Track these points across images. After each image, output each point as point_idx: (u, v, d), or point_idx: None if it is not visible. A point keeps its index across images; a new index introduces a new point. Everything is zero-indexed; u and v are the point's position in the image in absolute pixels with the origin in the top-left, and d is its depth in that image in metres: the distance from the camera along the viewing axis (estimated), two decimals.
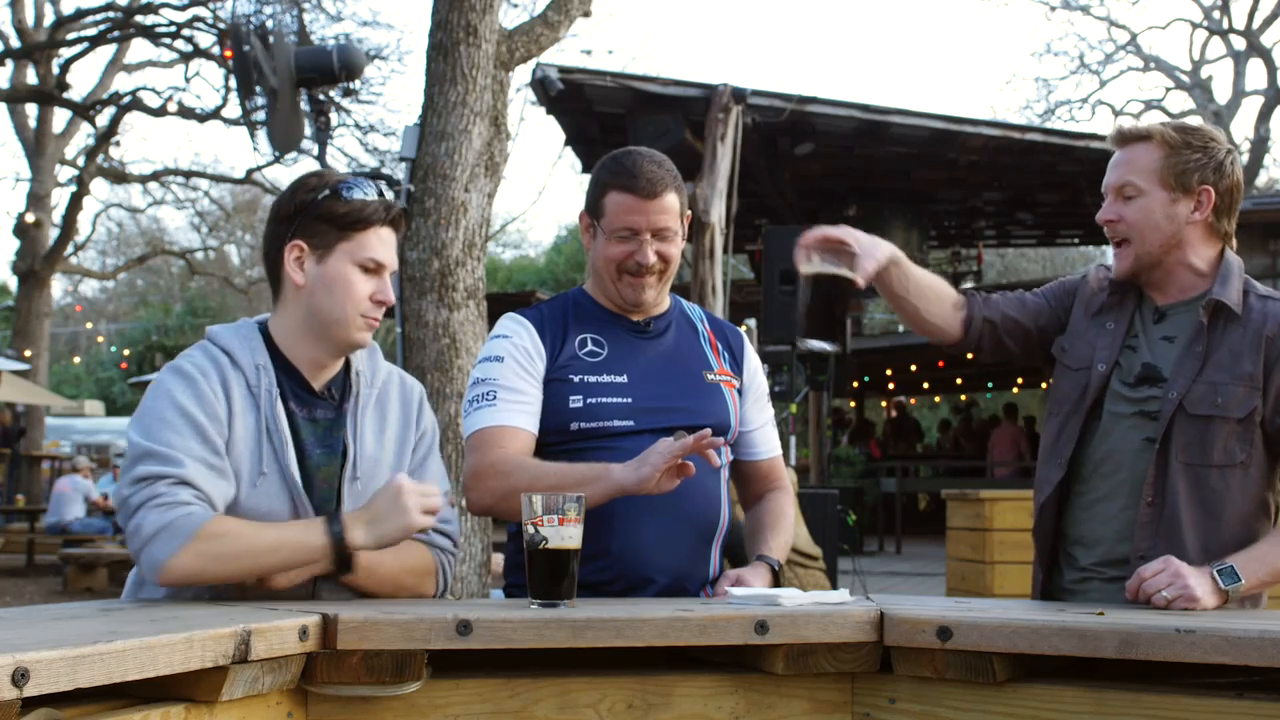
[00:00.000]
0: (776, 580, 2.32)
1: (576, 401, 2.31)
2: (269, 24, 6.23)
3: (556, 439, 2.32)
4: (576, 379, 2.33)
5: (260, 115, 6.30)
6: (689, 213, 2.45)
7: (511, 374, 2.33)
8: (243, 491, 1.98)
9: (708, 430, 2.14)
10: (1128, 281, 2.42)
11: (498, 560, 5.56)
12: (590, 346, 2.38)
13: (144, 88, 20.12)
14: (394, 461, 2.16)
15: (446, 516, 2.13)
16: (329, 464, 2.10)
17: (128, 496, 1.90)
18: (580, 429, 2.31)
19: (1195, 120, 2.53)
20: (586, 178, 2.49)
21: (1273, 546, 2.17)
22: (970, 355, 2.55)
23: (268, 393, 2.04)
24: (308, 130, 6.50)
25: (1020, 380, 21.83)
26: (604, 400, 2.32)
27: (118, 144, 21.06)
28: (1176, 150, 2.30)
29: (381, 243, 2.09)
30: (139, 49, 21.73)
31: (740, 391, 2.49)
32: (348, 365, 2.18)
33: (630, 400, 2.33)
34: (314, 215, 2.06)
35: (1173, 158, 2.30)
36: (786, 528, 2.49)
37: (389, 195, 2.13)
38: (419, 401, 2.24)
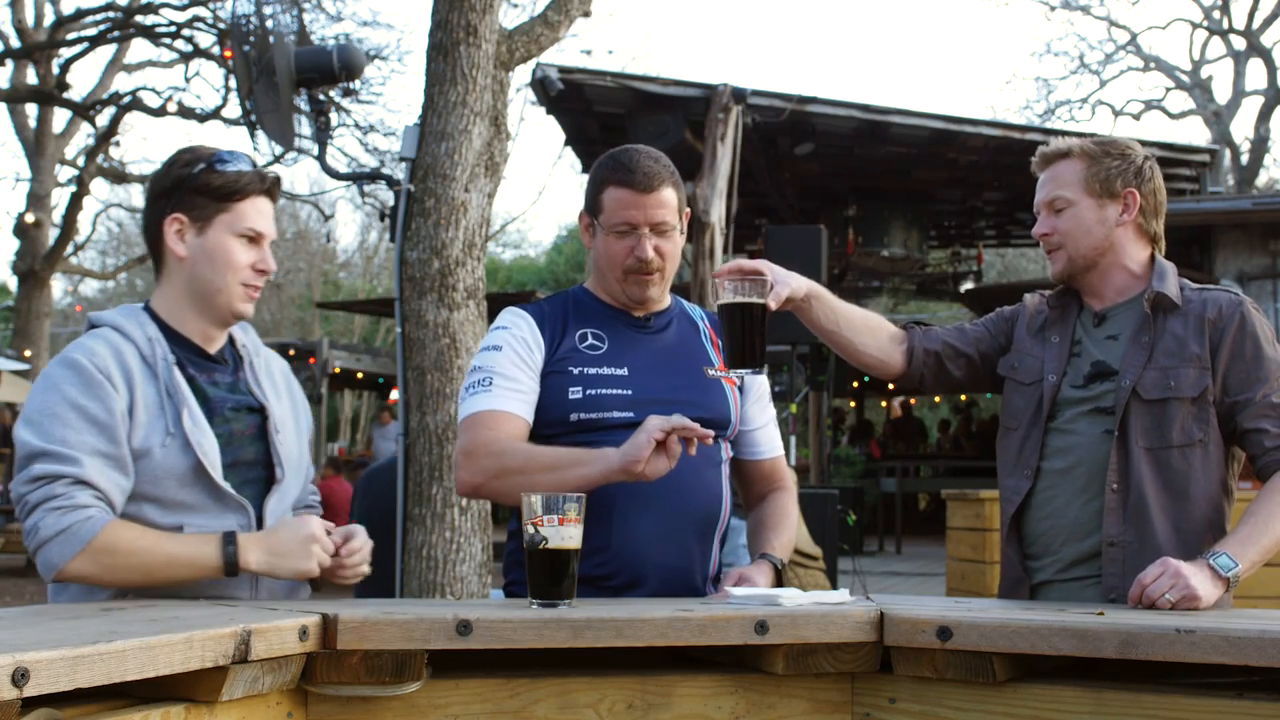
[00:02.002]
0: (779, 578, 2.33)
1: (576, 393, 2.32)
2: (269, 24, 6.22)
3: (555, 430, 2.32)
4: (576, 371, 2.34)
5: (257, 116, 6.29)
6: (688, 210, 2.45)
7: (509, 363, 2.34)
8: (156, 455, 2.02)
9: (709, 433, 2.14)
10: (1065, 289, 2.50)
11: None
12: (590, 340, 2.39)
13: (144, 88, 20.12)
14: (294, 426, 2.27)
15: (313, 490, 2.36)
16: (241, 420, 2.17)
17: (25, 494, 1.94)
18: (579, 420, 2.31)
19: (1113, 134, 2.62)
20: (587, 178, 2.50)
21: (1255, 527, 2.19)
22: (915, 386, 2.59)
23: (164, 360, 2.09)
24: (306, 130, 6.50)
25: None
26: (604, 392, 2.32)
27: (118, 144, 21.05)
28: (1097, 160, 2.42)
29: (259, 213, 2.15)
30: (139, 49, 21.82)
31: (741, 390, 2.49)
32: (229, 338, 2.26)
33: (630, 392, 2.33)
34: (191, 188, 2.11)
35: (1094, 167, 2.42)
36: (789, 527, 2.49)
37: (261, 166, 2.21)
38: (289, 375, 2.36)
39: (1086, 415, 2.38)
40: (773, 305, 2.27)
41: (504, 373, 2.33)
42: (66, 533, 1.90)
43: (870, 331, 2.53)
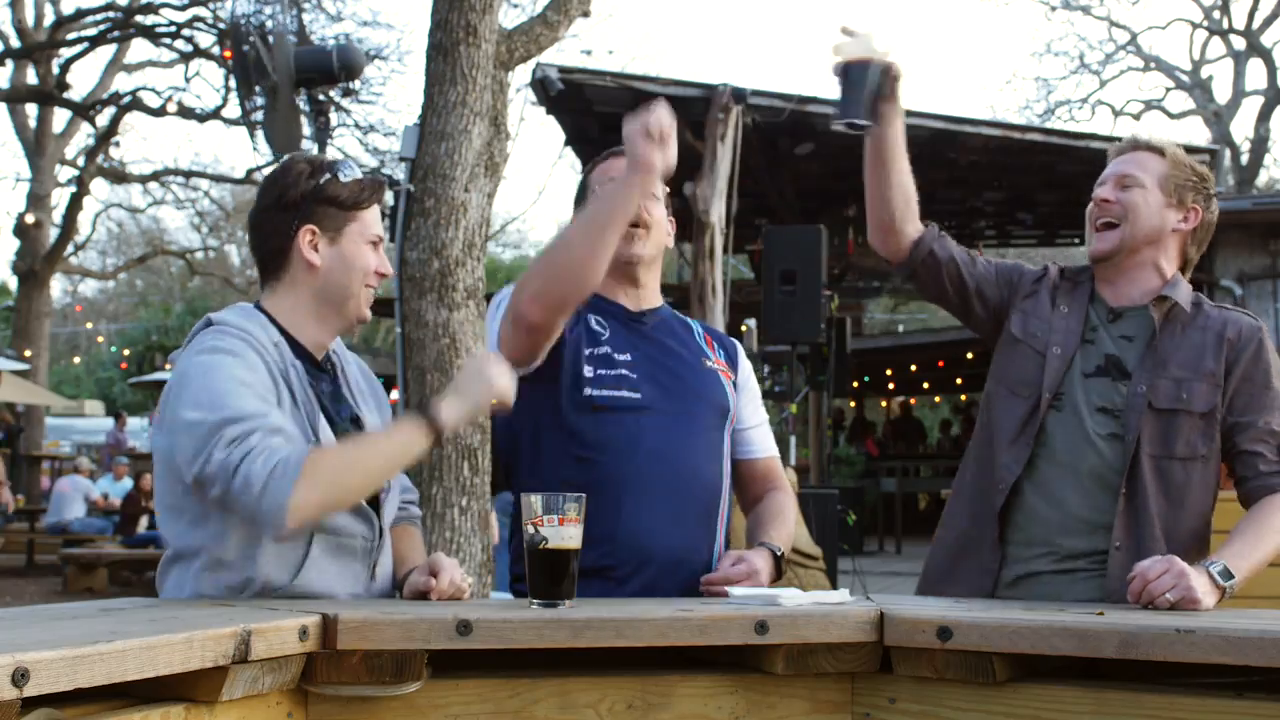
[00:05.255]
0: (778, 564, 2.34)
1: (589, 371, 2.35)
2: (269, 24, 6.22)
3: (574, 410, 2.34)
4: (588, 351, 2.38)
5: (259, 115, 6.29)
6: (674, 220, 2.50)
7: None
8: None
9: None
10: (1082, 270, 2.51)
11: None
12: (594, 326, 2.42)
13: (144, 88, 20.13)
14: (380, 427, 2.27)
15: (407, 485, 2.36)
16: (348, 433, 2.18)
17: (224, 460, 1.87)
18: (591, 396, 2.34)
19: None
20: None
21: (1246, 543, 2.20)
22: (905, 277, 2.62)
23: (293, 368, 2.09)
24: (306, 130, 6.50)
25: None
26: (615, 372, 2.36)
27: (118, 144, 21.05)
28: (1182, 168, 2.47)
29: (377, 219, 2.21)
30: (139, 49, 21.74)
31: (735, 386, 2.52)
32: None
33: (637, 376, 2.38)
34: (319, 199, 2.13)
35: (1177, 172, 2.46)
36: (787, 522, 2.51)
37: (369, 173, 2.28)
38: (369, 373, 2.37)
39: (1095, 411, 2.36)
40: (897, 69, 2.44)
41: None
42: (279, 468, 1.86)
43: (906, 200, 2.59)
